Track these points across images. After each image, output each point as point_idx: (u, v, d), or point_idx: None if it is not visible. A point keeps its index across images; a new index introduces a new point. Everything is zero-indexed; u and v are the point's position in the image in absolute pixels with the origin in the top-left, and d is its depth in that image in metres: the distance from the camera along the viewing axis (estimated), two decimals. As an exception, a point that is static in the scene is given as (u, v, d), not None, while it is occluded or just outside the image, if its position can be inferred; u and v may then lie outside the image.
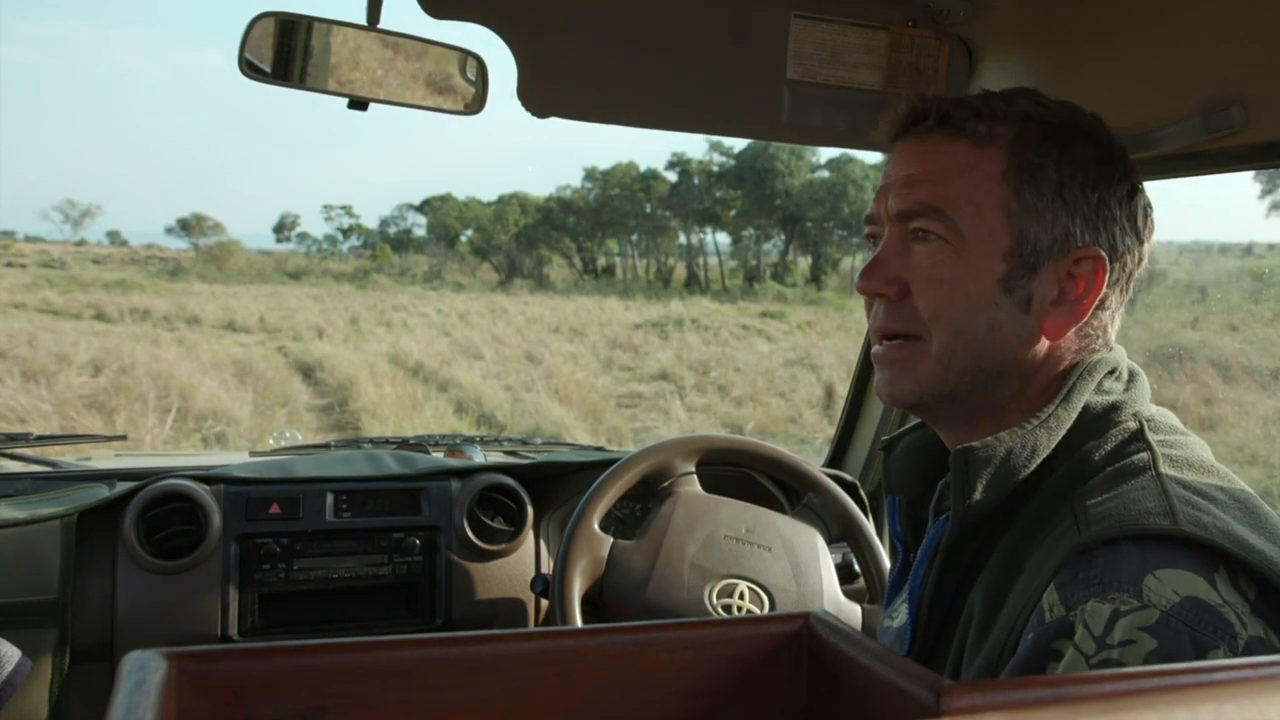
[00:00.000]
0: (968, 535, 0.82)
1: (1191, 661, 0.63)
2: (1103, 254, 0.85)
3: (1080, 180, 0.85)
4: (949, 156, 0.85)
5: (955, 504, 0.81)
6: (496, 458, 1.94)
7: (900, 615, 0.94)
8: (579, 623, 1.40)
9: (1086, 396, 0.83)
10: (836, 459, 2.05)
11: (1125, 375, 0.88)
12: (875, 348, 0.91)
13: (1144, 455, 0.79)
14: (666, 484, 1.55)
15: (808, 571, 1.51)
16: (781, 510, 1.65)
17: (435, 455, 1.87)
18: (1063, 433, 0.82)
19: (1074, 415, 0.82)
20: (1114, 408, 0.84)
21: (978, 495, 0.80)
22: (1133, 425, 0.83)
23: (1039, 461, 0.81)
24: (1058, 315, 0.85)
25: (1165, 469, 0.78)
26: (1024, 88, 0.90)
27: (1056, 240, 0.84)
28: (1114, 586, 0.68)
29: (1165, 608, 0.66)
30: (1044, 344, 0.86)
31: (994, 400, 0.86)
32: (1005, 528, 0.82)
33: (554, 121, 1.26)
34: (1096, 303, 0.85)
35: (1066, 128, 0.86)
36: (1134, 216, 0.88)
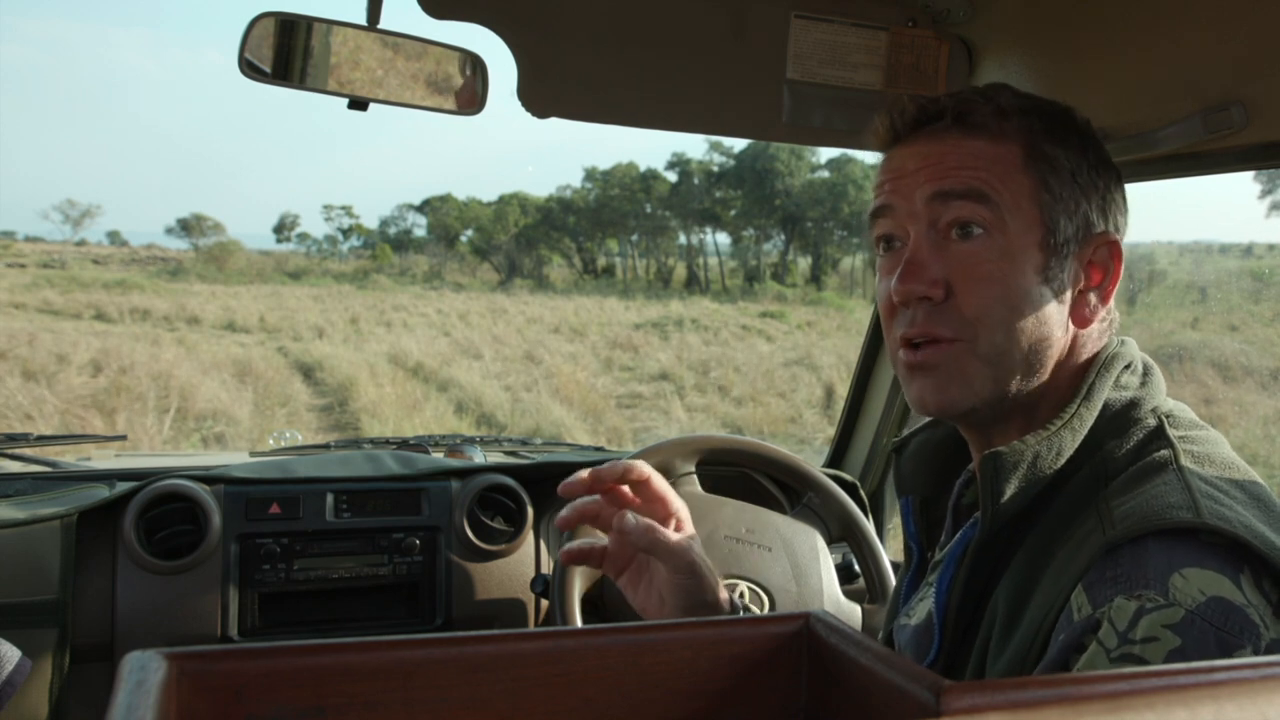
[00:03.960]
0: (995, 537, 0.82)
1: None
2: (1117, 238, 0.86)
3: (1087, 167, 0.86)
4: (971, 153, 0.84)
5: (984, 508, 0.81)
6: (496, 458, 1.94)
7: (918, 615, 0.93)
8: (579, 623, 1.40)
9: (1106, 393, 0.83)
10: (836, 459, 2.05)
11: (1140, 369, 0.88)
12: (906, 354, 0.85)
13: (1166, 452, 0.79)
14: None
15: (808, 571, 1.51)
16: (781, 510, 1.65)
17: (435, 455, 1.87)
18: (1085, 432, 0.82)
19: (1095, 413, 0.82)
20: (1133, 404, 0.84)
21: (1006, 499, 0.80)
22: (1152, 422, 0.83)
23: (1064, 462, 0.81)
24: (1085, 304, 0.86)
25: (1187, 464, 0.78)
26: (999, 83, 0.90)
27: (1079, 228, 0.85)
28: (1141, 584, 0.68)
29: (1190, 606, 0.66)
30: (1072, 334, 0.86)
31: (1031, 396, 0.85)
32: (1030, 528, 0.82)
33: (554, 121, 1.26)
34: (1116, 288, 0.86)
35: (1061, 117, 0.87)
36: (1125, 199, 0.89)
